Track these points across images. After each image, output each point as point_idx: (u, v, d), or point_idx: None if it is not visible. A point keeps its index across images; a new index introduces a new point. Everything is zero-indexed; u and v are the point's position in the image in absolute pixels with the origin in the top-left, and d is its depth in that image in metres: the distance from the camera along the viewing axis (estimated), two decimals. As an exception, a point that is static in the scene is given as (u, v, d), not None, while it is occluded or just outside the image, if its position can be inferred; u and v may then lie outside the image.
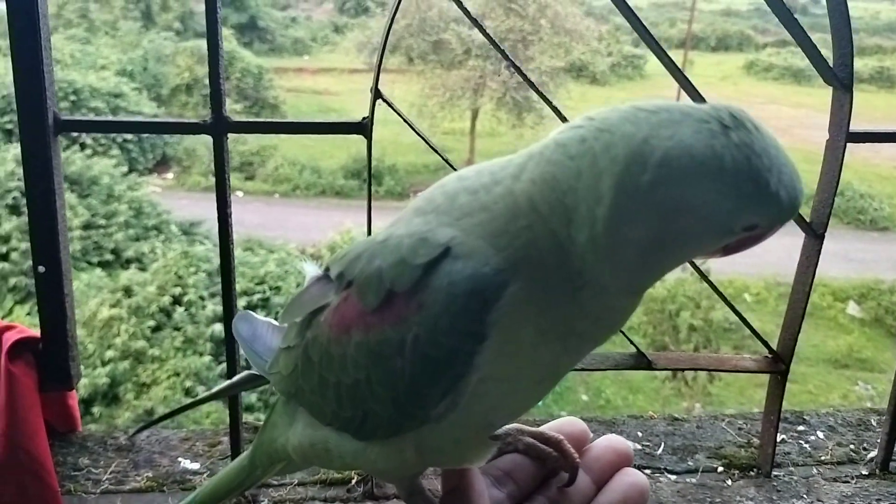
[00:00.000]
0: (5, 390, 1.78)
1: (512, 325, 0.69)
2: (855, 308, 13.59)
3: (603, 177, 0.67)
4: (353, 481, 2.10)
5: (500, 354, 0.70)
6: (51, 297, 1.85)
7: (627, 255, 0.68)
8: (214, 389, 1.05)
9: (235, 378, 1.02)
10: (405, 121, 1.71)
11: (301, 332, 0.86)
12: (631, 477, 0.85)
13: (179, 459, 2.16)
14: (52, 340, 1.88)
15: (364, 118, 1.78)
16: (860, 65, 19.49)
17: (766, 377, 2.18)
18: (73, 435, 2.22)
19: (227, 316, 1.80)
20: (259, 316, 1.03)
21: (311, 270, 0.88)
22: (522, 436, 0.87)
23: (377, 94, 1.73)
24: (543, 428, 0.89)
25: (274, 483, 2.09)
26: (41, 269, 1.81)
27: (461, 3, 1.69)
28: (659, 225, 0.67)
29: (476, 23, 1.59)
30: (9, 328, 1.85)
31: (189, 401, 1.05)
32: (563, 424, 0.89)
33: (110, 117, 12.97)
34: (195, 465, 2.14)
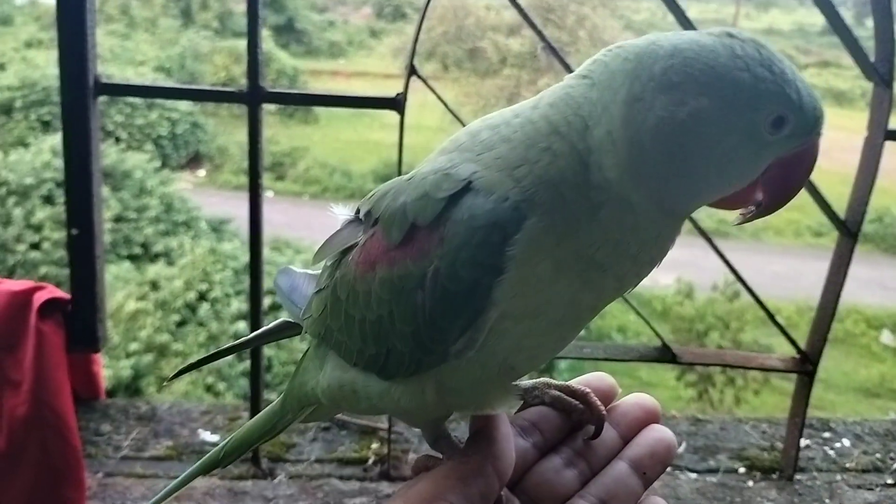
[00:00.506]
0: (34, 348, 1.80)
1: (530, 259, 0.69)
2: (889, 337, 13.27)
3: (616, 76, 0.70)
4: (370, 461, 2.10)
5: (518, 289, 0.70)
6: (82, 258, 1.88)
7: (649, 155, 0.68)
8: (251, 335, 1.06)
9: (271, 325, 1.03)
10: (438, 97, 1.72)
11: (331, 274, 0.87)
12: (658, 433, 0.84)
13: (199, 431, 2.18)
14: (82, 301, 1.91)
15: (398, 94, 1.79)
16: (899, 90, 19.13)
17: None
18: (97, 402, 2.25)
19: (255, 278, 1.81)
20: (299, 269, 1.04)
21: (343, 213, 0.88)
22: (549, 389, 0.87)
23: (412, 71, 1.74)
24: (571, 382, 0.88)
25: (290, 458, 2.10)
26: (74, 231, 1.84)
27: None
28: (676, 114, 0.67)
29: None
30: (40, 288, 1.88)
31: (226, 346, 1.06)
32: (590, 379, 0.89)
33: (147, 108, 13.19)
34: (214, 437, 2.16)
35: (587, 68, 0.73)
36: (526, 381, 0.88)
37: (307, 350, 0.98)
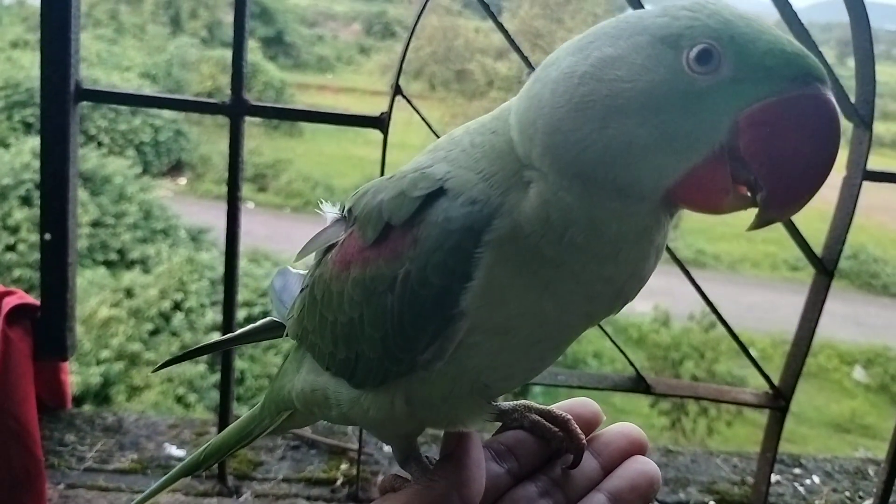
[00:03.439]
0: (0, 354, 1.77)
1: (494, 264, 0.67)
2: (861, 373, 13.39)
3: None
4: (339, 482, 2.07)
5: (484, 299, 0.68)
6: (54, 265, 1.85)
7: (547, 112, 0.64)
8: (238, 332, 1.05)
9: (258, 323, 1.02)
10: (422, 118, 1.72)
11: (312, 273, 0.86)
12: (641, 465, 0.82)
13: (165, 445, 2.14)
14: (51, 309, 1.88)
15: (382, 113, 1.78)
16: (882, 129, 19.45)
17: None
18: (62, 411, 2.20)
19: (229, 293, 1.79)
20: (295, 269, 1.03)
21: (331, 211, 0.87)
22: (529, 412, 0.85)
23: (397, 90, 1.74)
24: (553, 406, 0.86)
25: (257, 477, 2.07)
26: (47, 236, 1.81)
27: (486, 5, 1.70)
28: (577, 67, 0.63)
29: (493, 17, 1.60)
30: (9, 293, 1.84)
31: (212, 341, 1.06)
32: (573, 405, 0.86)
33: (131, 114, 13.10)
34: (180, 452, 2.12)
35: None
36: (505, 403, 0.86)
37: (288, 353, 0.97)
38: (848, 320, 13.20)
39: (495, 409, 0.83)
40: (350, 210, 0.81)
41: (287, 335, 0.94)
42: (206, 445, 1.06)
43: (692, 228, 15.04)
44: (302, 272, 1.00)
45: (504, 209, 0.66)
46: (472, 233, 0.66)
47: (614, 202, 0.63)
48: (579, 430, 0.83)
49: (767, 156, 0.59)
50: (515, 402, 0.86)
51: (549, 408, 0.86)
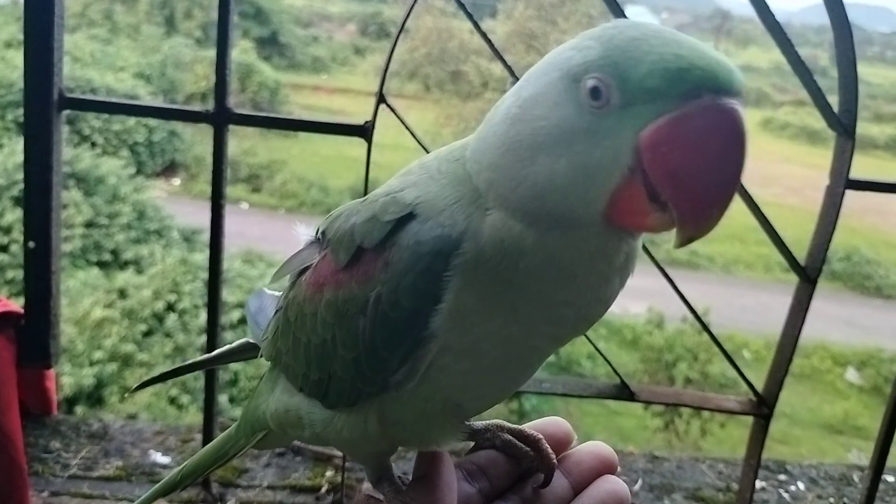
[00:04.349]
0: (-18, 362, 1.76)
1: (462, 286, 0.68)
2: (854, 374, 13.41)
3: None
4: (324, 489, 2.07)
5: (454, 321, 0.69)
6: (38, 272, 1.84)
7: (490, 151, 0.68)
8: (212, 354, 1.06)
9: (234, 344, 1.04)
10: (406, 127, 1.72)
11: (286, 295, 0.87)
12: (611, 484, 0.83)
13: (150, 452, 2.14)
14: (35, 316, 1.87)
15: (366, 122, 1.78)
16: (876, 131, 19.45)
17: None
18: (47, 418, 2.20)
19: (213, 297, 1.79)
20: (270, 291, 1.04)
21: (305, 233, 0.88)
22: (501, 432, 0.86)
23: (381, 99, 1.74)
24: (525, 426, 0.87)
25: (242, 484, 2.07)
26: (31, 244, 1.81)
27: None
28: (511, 109, 0.67)
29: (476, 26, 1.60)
30: (-8, 301, 1.84)
31: (187, 363, 1.06)
32: (546, 424, 0.87)
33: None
34: (165, 459, 2.12)
35: None
36: (478, 423, 0.87)
37: (264, 374, 0.98)
38: (841, 322, 13.22)
39: (467, 428, 0.84)
40: (324, 233, 0.82)
41: (262, 356, 0.94)
42: (181, 466, 1.06)
43: (686, 230, 15.03)
44: (277, 294, 1.01)
45: (469, 234, 0.68)
46: (441, 256, 0.68)
47: (556, 231, 0.65)
48: (550, 450, 0.84)
49: (668, 176, 0.59)
50: (488, 422, 0.87)
51: (520, 427, 0.87)
